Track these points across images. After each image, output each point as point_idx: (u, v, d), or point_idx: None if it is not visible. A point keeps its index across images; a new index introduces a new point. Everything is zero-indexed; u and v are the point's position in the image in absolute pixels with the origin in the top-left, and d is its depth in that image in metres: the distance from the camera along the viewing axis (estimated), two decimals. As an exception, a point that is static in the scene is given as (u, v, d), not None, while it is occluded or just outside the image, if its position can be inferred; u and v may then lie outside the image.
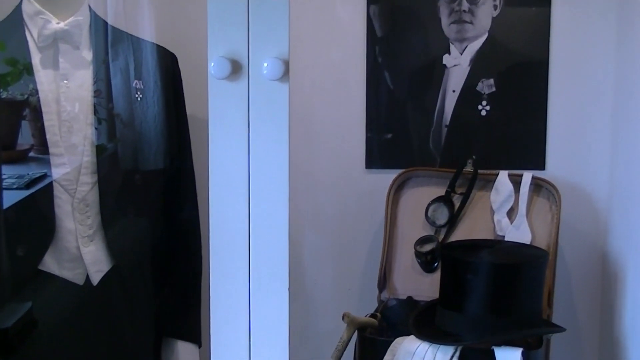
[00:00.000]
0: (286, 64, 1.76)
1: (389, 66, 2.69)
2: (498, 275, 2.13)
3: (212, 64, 1.76)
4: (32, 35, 2.11)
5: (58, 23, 2.12)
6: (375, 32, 2.69)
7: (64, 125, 2.12)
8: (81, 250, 2.17)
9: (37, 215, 2.14)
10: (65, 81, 2.14)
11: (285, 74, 1.76)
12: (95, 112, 2.19)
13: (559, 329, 2.21)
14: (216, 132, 1.82)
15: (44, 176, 2.13)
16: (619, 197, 2.54)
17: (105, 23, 2.25)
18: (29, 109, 2.13)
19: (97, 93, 2.20)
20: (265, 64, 1.76)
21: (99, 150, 2.19)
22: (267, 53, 1.77)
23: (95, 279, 2.21)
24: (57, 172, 2.12)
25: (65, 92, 2.13)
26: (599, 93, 2.62)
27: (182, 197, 2.43)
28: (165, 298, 2.41)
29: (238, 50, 1.77)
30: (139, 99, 2.26)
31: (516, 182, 2.53)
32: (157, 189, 2.38)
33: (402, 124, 2.71)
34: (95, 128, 2.19)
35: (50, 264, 2.13)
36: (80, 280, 2.19)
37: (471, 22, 2.64)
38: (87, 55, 2.19)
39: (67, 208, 2.14)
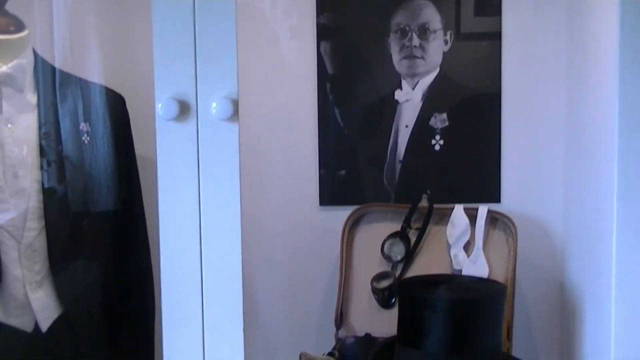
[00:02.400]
0: (235, 103, 1.75)
1: (339, 104, 2.68)
2: (456, 311, 2.11)
3: (160, 105, 1.75)
4: None
5: (0, 67, 2.08)
6: (326, 69, 2.68)
7: (8, 170, 2.08)
8: (29, 297, 2.12)
9: (-18, 263, 2.09)
10: (9, 125, 2.10)
11: (235, 114, 1.75)
12: (44, 154, 2.15)
13: (518, 363, 2.20)
14: (165, 174, 1.80)
15: (-11, 221, 2.09)
16: (574, 228, 2.54)
17: (51, 66, 2.22)
18: (-27, 152, 2.09)
19: (45, 135, 2.16)
20: (214, 104, 1.74)
21: (48, 193, 2.15)
22: (215, 93, 1.75)
23: (44, 326, 2.16)
24: (3, 218, 2.07)
25: (10, 137, 2.10)
26: (552, 124, 2.63)
27: (133, 240, 2.39)
28: (118, 344, 2.36)
29: (186, 90, 1.76)
30: (86, 141, 2.22)
31: (472, 215, 2.52)
32: (107, 233, 2.33)
33: (355, 161, 2.69)
34: (45, 171, 2.15)
35: (-4, 311, 2.10)
36: (28, 328, 2.14)
37: (422, 58, 2.64)
38: (32, 98, 2.15)
39: (14, 254, 2.09)
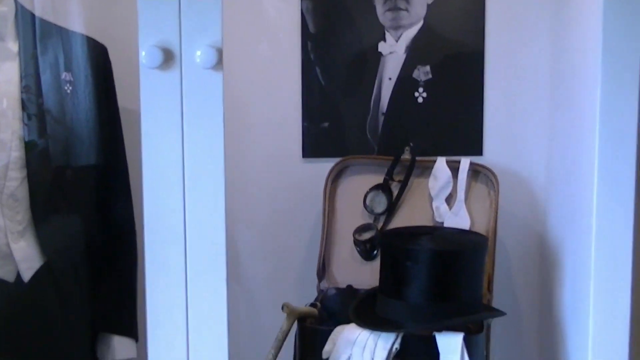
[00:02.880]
0: (219, 52, 1.74)
1: (321, 62, 2.67)
2: (438, 262, 2.12)
3: (144, 53, 1.74)
4: None
5: (-20, 14, 2.07)
6: (308, 28, 2.67)
7: None
8: (11, 246, 2.12)
9: (-37, 212, 2.09)
10: None
11: (219, 62, 1.74)
12: (25, 107, 2.13)
13: (499, 313, 2.21)
14: (149, 123, 1.79)
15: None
16: (556, 182, 2.55)
17: (32, 14, 2.20)
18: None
19: (26, 89, 2.14)
20: (198, 52, 1.74)
21: (29, 146, 2.14)
22: (200, 41, 1.74)
23: (27, 276, 2.16)
24: (-17, 168, 2.07)
25: None
26: (535, 78, 2.63)
27: (116, 191, 2.39)
28: (100, 293, 2.37)
29: (170, 38, 1.75)
30: (68, 91, 2.21)
31: (454, 168, 2.53)
32: (89, 184, 2.33)
33: (339, 113, 2.69)
34: (25, 124, 2.13)
35: (-22, 261, 2.09)
36: (10, 278, 2.14)
37: (406, 10, 2.63)
38: (13, 46, 2.13)
39: None
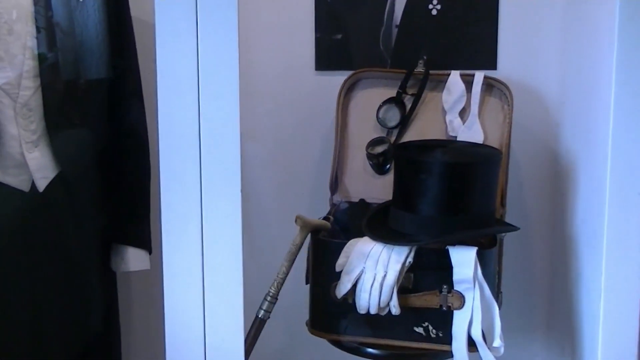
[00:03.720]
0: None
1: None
2: (452, 175, 2.11)
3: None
4: None
5: None
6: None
7: (2, 28, 2.05)
8: (25, 156, 2.12)
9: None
10: None
11: (233, -34, 1.72)
12: (35, 20, 2.12)
13: (513, 227, 2.21)
14: (163, 30, 1.78)
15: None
16: (570, 96, 2.53)
17: None
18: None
19: (35, 1, 2.12)
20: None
21: (40, 58, 2.13)
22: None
23: (41, 186, 2.17)
24: (-2, 76, 2.06)
25: None
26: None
27: (129, 102, 2.38)
28: (114, 204, 2.38)
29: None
30: (80, 0, 2.19)
31: (468, 82, 2.50)
32: (102, 95, 2.32)
33: (352, 25, 2.65)
34: (35, 37, 2.12)
35: (-7, 170, 2.10)
36: (25, 187, 2.15)
37: None
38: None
39: (10, 113, 2.08)
